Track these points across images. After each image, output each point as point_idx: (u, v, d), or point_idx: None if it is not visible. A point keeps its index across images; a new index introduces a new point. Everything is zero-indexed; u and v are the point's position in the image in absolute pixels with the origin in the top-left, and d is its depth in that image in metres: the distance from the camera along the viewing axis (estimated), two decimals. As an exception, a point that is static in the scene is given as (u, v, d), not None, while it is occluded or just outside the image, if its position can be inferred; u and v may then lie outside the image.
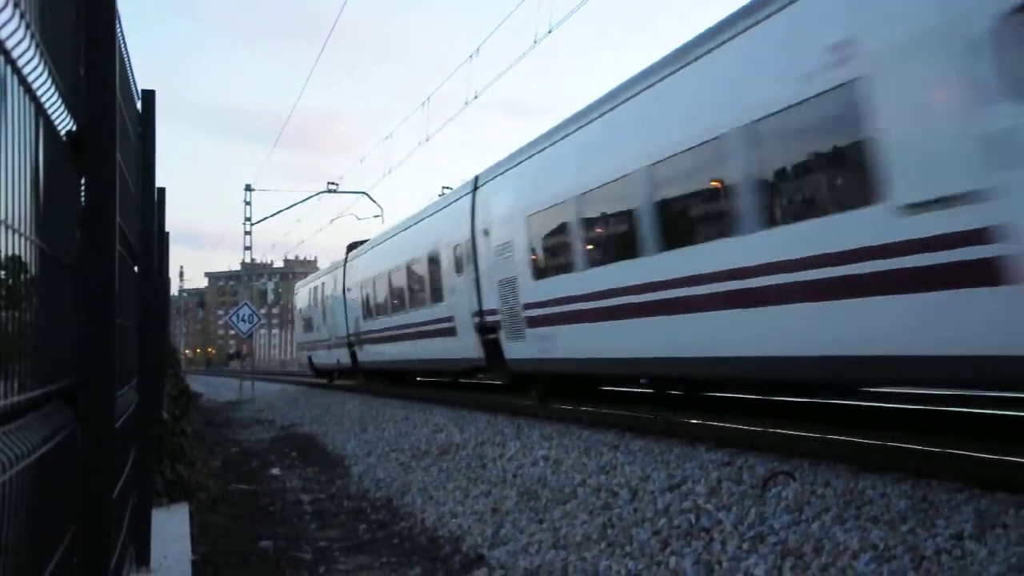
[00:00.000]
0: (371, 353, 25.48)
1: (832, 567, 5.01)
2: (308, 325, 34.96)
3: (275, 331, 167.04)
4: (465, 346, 17.10)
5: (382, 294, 23.34)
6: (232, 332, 55.99)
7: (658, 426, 10.07)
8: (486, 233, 15.33)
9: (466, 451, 11.28)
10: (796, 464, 7.31)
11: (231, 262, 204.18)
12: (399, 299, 21.74)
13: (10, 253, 1.51)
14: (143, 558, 4.83)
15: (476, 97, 22.11)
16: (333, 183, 45.50)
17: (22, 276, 1.67)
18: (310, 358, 35.95)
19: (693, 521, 6.31)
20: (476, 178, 16.46)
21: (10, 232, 1.48)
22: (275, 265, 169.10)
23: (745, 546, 5.62)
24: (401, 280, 21.44)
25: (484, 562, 6.52)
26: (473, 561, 6.60)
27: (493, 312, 15.47)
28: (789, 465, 7.28)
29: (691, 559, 5.59)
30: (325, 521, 8.80)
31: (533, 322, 13.41)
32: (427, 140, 39.70)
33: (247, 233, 50.16)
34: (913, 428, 8.52)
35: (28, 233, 1.66)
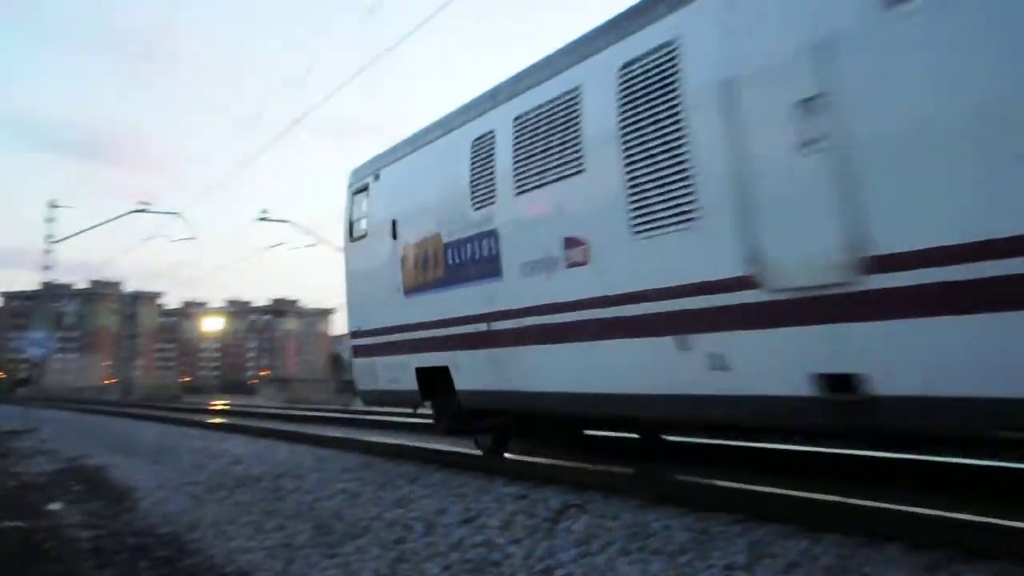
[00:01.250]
0: None
1: (611, 598, 5.10)
2: (449, 273, 10.07)
3: (72, 355, 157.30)
4: None
5: None
6: (25, 356, 52.12)
7: (457, 459, 10.09)
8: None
9: (263, 483, 10.88)
10: (589, 497, 7.44)
11: (31, 282, 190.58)
12: None
13: None
14: None
15: (305, 116, 21.82)
16: (145, 203, 43.76)
17: None
18: (425, 368, 10.75)
19: (484, 555, 6.29)
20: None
21: None
22: (79, 287, 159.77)
23: (531, 578, 5.65)
24: None
25: (268, 599, 6.26)
26: (256, 598, 6.33)
27: None
28: (582, 498, 7.40)
29: (477, 592, 5.56)
30: (104, 559, 8.22)
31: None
32: (247, 163, 38.73)
33: (48, 252, 47.17)
34: (698, 461, 8.90)
35: None
